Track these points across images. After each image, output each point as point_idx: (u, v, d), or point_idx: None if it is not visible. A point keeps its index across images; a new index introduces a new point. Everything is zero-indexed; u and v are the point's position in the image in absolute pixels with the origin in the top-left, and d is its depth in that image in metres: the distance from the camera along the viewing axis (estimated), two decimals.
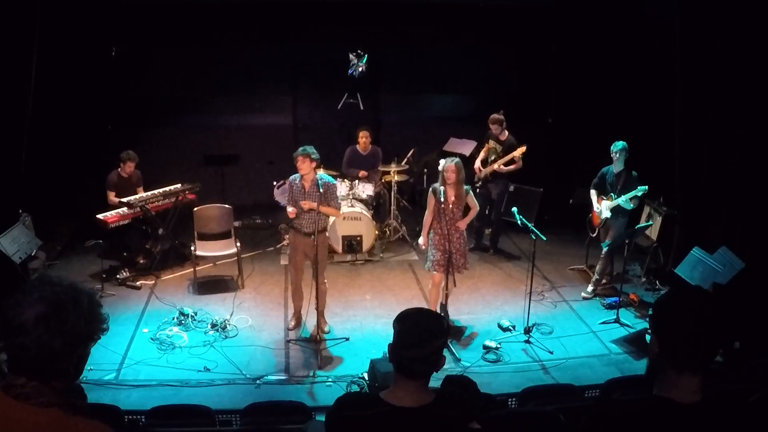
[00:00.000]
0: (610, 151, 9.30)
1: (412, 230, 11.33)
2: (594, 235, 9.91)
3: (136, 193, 10.25)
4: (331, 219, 9.74)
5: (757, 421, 2.58)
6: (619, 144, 9.20)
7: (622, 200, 9.16)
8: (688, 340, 2.48)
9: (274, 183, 11.86)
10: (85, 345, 2.32)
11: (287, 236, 9.94)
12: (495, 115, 10.70)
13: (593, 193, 9.69)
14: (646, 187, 9.00)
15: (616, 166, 9.29)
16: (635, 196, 9.09)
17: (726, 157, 8.36)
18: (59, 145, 10.99)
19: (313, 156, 7.94)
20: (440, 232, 8.17)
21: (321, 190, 7.81)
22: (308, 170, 8.00)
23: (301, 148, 7.97)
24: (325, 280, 8.42)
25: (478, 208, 8.50)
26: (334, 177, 10.88)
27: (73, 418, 2.25)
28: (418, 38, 12.68)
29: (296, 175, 8.15)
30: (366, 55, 11.80)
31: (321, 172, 8.49)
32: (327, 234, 8.40)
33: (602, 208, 9.51)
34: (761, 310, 7.74)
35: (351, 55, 11.96)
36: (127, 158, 10.16)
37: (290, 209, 8.12)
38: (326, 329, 8.48)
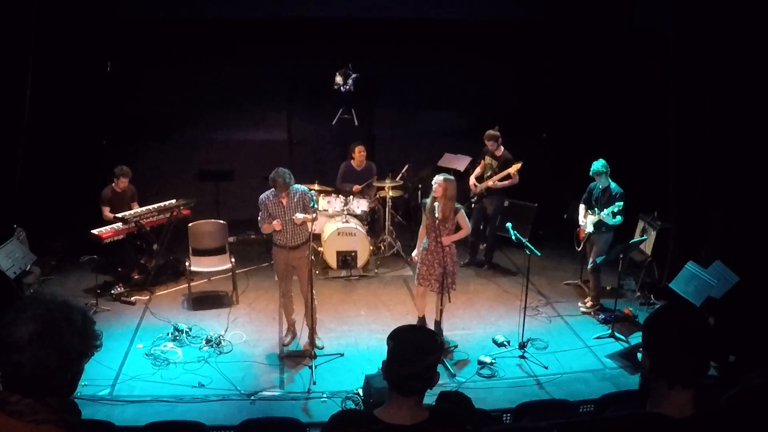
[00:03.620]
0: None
1: (407, 246, 11.29)
2: (579, 249, 9.92)
3: (131, 208, 10.24)
4: (316, 229, 9.70)
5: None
6: (597, 165, 9.22)
7: (604, 214, 9.16)
8: (678, 354, 2.50)
9: None
10: (79, 362, 2.32)
11: None
12: (490, 131, 10.74)
13: (581, 208, 9.71)
14: (621, 203, 8.95)
15: (602, 183, 9.30)
16: (613, 212, 9.07)
17: (720, 171, 8.39)
18: (54, 159, 10.98)
19: (292, 185, 8.03)
20: (429, 248, 8.20)
21: (312, 204, 8.08)
22: (287, 192, 8.04)
23: (282, 177, 7.88)
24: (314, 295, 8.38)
25: (470, 230, 8.45)
26: (329, 193, 10.95)
27: None
28: (413, 54, 12.71)
29: (267, 192, 8.16)
30: (352, 73, 11.84)
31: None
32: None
33: (587, 222, 9.53)
34: (756, 323, 7.76)
35: (337, 78, 12.02)
36: (120, 173, 10.15)
37: (275, 222, 8.05)
38: (320, 345, 8.49)
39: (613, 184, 9.23)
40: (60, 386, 2.29)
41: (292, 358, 8.29)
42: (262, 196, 8.20)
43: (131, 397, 7.29)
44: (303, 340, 8.57)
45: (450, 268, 8.13)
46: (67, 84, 10.85)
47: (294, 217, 8.04)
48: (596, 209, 9.33)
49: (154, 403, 7.19)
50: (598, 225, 9.34)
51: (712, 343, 2.56)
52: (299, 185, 8.28)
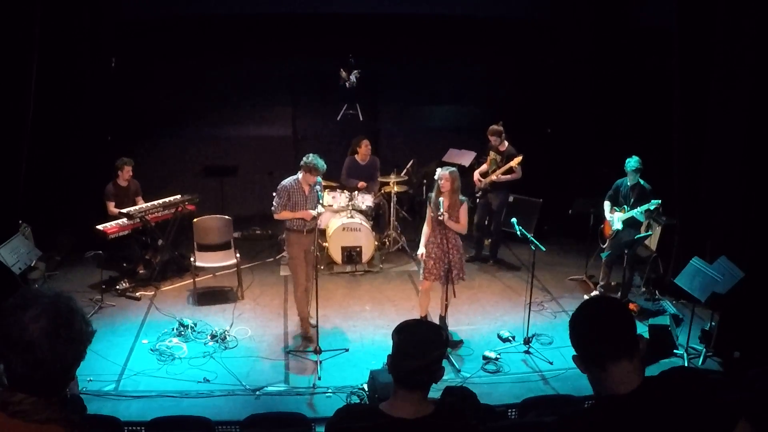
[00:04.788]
0: (624, 168, 9.30)
1: (412, 241, 11.26)
2: (604, 246, 9.90)
3: (135, 204, 10.27)
4: (321, 224, 9.88)
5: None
6: (633, 162, 9.20)
7: (637, 212, 9.17)
8: (592, 333, 2.63)
9: None
10: (84, 352, 2.32)
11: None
12: (494, 127, 10.73)
13: (607, 204, 9.69)
14: (660, 200, 9.02)
15: (631, 180, 9.30)
16: (648, 209, 9.09)
17: (725, 166, 8.38)
18: (59, 155, 10.99)
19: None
20: (435, 242, 8.19)
21: (320, 192, 8.46)
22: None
23: (320, 164, 8.18)
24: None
25: (465, 228, 8.39)
26: (334, 188, 10.96)
27: None
28: (418, 50, 12.71)
29: (291, 179, 8.32)
30: (354, 69, 11.86)
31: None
32: None
33: (614, 219, 9.51)
34: (761, 320, 7.75)
35: (342, 73, 12.04)
36: (122, 164, 10.16)
37: (308, 212, 8.29)
38: (313, 323, 8.53)
39: (642, 182, 9.23)
40: (71, 378, 2.30)
41: (297, 353, 8.29)
42: (285, 183, 8.32)
43: (136, 393, 7.29)
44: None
45: (456, 259, 8.14)
46: (72, 80, 10.85)
47: (316, 211, 8.33)
48: (625, 206, 9.34)
49: (160, 399, 7.20)
50: (628, 222, 9.34)
51: (618, 317, 2.67)
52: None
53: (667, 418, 2.52)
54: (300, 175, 8.27)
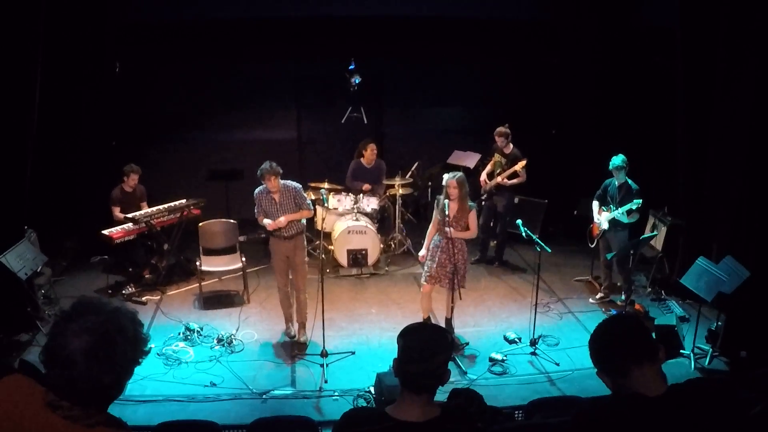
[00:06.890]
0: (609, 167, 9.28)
1: (417, 243, 11.22)
2: (592, 245, 9.89)
3: (141, 208, 10.27)
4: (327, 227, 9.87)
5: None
6: (616, 160, 9.14)
7: (618, 213, 9.13)
8: (613, 342, 2.76)
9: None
10: (132, 370, 2.32)
11: None
12: (501, 128, 10.72)
13: (595, 204, 9.67)
14: (640, 201, 8.94)
15: (618, 179, 9.25)
16: (630, 210, 9.05)
17: (730, 166, 8.37)
18: (64, 161, 11.00)
19: (280, 172, 8.23)
20: (441, 246, 8.18)
21: (324, 201, 8.61)
22: (277, 186, 8.23)
23: (268, 167, 8.16)
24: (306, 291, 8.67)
25: (476, 233, 8.43)
26: (339, 191, 10.95)
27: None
28: (422, 52, 12.71)
29: (261, 187, 8.39)
30: (356, 73, 11.88)
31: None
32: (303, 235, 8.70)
33: (602, 219, 9.49)
34: (767, 319, 7.73)
35: (348, 77, 12.09)
36: (130, 171, 10.19)
37: (267, 222, 8.31)
38: (303, 340, 8.60)
39: (629, 181, 9.18)
40: (111, 397, 2.29)
41: (304, 356, 8.29)
42: (256, 191, 8.46)
43: (143, 397, 7.29)
44: (315, 338, 8.59)
45: (460, 265, 8.13)
46: (76, 85, 10.87)
47: (277, 221, 8.28)
48: (612, 206, 9.30)
49: (166, 403, 7.21)
50: (613, 222, 9.31)
51: (634, 327, 2.79)
52: (293, 182, 8.48)
53: (696, 424, 2.54)
54: None
